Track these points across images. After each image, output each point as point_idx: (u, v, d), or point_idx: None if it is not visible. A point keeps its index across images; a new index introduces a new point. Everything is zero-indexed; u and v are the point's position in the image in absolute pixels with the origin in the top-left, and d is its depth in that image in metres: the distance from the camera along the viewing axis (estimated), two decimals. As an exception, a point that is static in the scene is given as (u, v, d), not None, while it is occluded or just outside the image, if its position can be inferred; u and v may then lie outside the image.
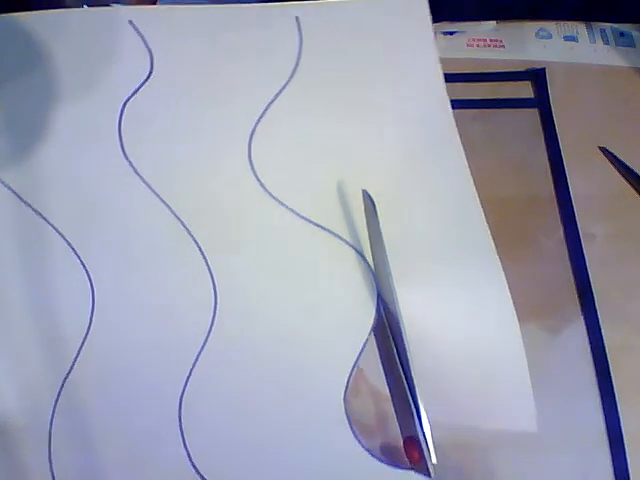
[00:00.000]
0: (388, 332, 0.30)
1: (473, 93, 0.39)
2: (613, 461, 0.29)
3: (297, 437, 0.29)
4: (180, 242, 0.31)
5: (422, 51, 0.35)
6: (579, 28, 0.43)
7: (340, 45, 0.34)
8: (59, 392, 0.29)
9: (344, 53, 0.34)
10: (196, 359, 0.30)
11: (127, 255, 0.31)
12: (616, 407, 0.30)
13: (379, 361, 0.30)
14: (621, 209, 0.35)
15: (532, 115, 0.39)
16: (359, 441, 0.28)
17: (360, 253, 0.32)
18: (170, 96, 0.33)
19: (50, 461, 0.28)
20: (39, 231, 0.31)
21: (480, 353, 0.30)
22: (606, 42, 0.43)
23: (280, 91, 0.33)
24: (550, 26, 0.43)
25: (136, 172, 0.32)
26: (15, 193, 0.32)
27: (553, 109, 0.39)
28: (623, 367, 0.31)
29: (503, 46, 0.42)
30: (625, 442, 0.29)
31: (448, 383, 0.29)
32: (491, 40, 0.42)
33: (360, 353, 0.30)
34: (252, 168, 0.32)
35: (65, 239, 0.31)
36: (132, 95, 0.32)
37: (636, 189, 0.36)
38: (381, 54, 0.35)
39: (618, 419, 0.29)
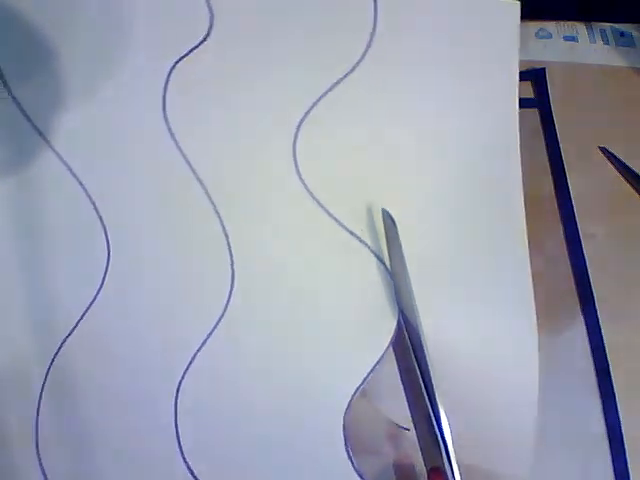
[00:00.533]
0: (410, 351, 0.28)
1: (473, 93, 0.39)
2: (613, 461, 0.29)
3: (288, 448, 0.28)
4: (206, 219, 0.30)
5: (503, 73, 0.32)
6: (579, 28, 0.43)
7: (416, 37, 0.32)
8: (49, 368, 0.29)
9: (417, 48, 0.32)
10: (201, 345, 0.29)
11: (148, 222, 0.30)
12: (616, 407, 0.30)
13: (384, 382, 0.29)
14: (621, 209, 0.35)
15: (532, 115, 0.39)
16: (352, 463, 0.28)
17: (387, 268, 0.30)
18: (224, 64, 0.30)
19: (38, 450, 0.28)
20: (65, 184, 0.30)
21: (494, 382, 0.29)
22: (606, 42, 0.43)
23: (344, 77, 0.31)
24: (550, 26, 0.43)
25: (174, 139, 0.30)
26: (49, 145, 0.30)
27: (553, 109, 0.39)
28: (623, 367, 0.31)
29: (503, 46, 0.42)
30: (625, 442, 0.29)
31: (458, 405, 0.28)
32: (491, 40, 0.42)
33: (371, 370, 0.29)
34: (294, 158, 0.30)
35: (90, 199, 0.30)
36: (184, 56, 0.30)
37: (636, 189, 0.36)
38: (458, 62, 0.32)
39: (618, 419, 0.29)
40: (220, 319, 0.29)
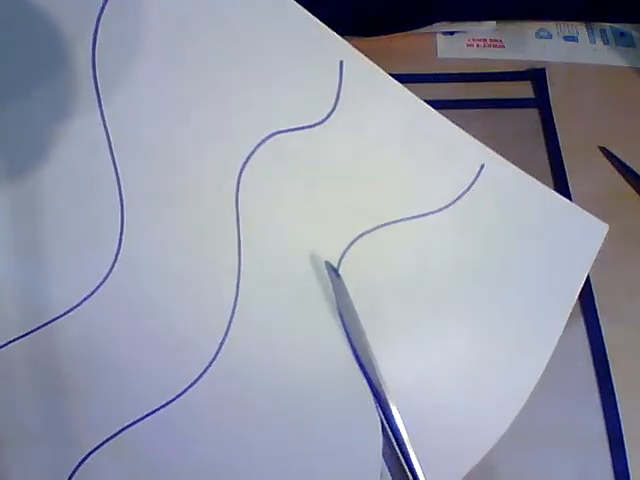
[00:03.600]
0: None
1: (473, 93, 0.39)
2: (613, 461, 0.29)
3: None
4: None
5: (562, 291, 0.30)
6: (579, 28, 0.43)
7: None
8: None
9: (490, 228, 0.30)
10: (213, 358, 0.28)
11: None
12: (616, 407, 0.30)
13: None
14: (621, 209, 0.35)
15: (532, 115, 0.39)
16: None
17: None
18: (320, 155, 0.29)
19: None
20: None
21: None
22: (606, 42, 0.43)
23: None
24: (550, 26, 0.43)
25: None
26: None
27: (553, 109, 0.39)
28: (623, 367, 0.31)
29: (503, 46, 0.42)
30: (625, 442, 0.29)
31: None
32: (491, 40, 0.42)
33: None
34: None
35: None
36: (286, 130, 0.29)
37: (636, 189, 0.36)
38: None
39: (618, 419, 0.29)
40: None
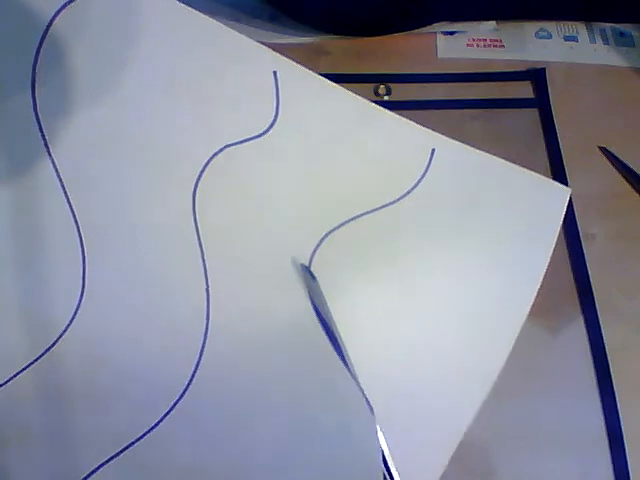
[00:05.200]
0: None
1: (473, 93, 0.39)
2: (613, 461, 0.29)
3: None
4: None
5: (535, 252, 0.31)
6: (579, 28, 0.43)
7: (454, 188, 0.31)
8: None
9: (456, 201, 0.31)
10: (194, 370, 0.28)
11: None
12: (616, 407, 0.30)
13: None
14: (621, 209, 0.35)
15: (532, 115, 0.39)
16: None
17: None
18: (269, 164, 0.30)
19: None
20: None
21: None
22: (606, 42, 0.43)
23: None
24: (550, 26, 0.43)
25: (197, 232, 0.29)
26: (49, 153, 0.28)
27: (553, 109, 0.39)
28: (623, 367, 0.31)
29: (503, 46, 0.42)
30: (625, 442, 0.29)
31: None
32: (491, 40, 0.42)
33: None
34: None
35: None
36: (234, 143, 0.30)
37: (636, 189, 0.36)
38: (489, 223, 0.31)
39: (618, 419, 0.29)
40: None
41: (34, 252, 0.28)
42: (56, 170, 0.28)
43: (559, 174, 0.36)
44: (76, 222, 0.28)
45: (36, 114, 0.27)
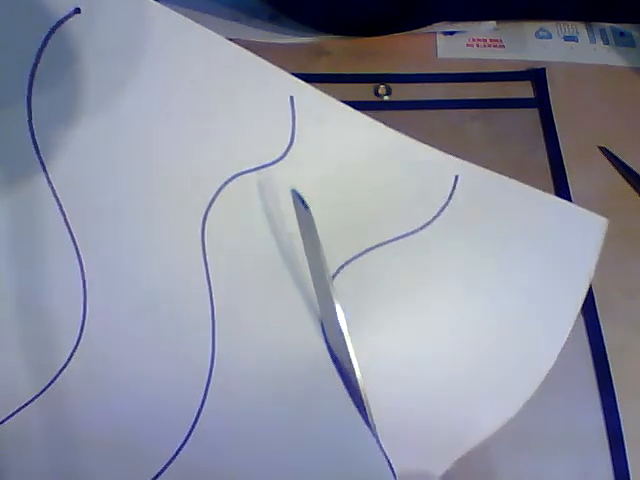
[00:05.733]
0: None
1: (473, 93, 0.39)
2: (613, 461, 0.29)
3: None
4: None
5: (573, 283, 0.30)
6: (579, 28, 0.43)
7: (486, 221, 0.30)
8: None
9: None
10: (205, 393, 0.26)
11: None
12: (616, 407, 0.30)
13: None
14: (621, 209, 0.35)
15: (532, 115, 0.39)
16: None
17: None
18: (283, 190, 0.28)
19: None
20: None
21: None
22: (606, 42, 0.43)
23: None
24: (550, 26, 0.43)
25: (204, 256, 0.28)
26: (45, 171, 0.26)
27: (553, 109, 0.39)
28: (623, 367, 0.31)
29: (503, 46, 0.42)
30: (625, 442, 0.29)
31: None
32: (491, 40, 0.42)
33: None
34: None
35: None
36: (248, 170, 0.29)
37: (636, 189, 0.36)
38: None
39: (618, 419, 0.29)
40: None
41: (34, 281, 0.27)
42: (56, 197, 0.26)
43: (559, 174, 0.36)
44: (77, 250, 0.27)
45: (31, 127, 0.26)
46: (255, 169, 0.29)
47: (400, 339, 0.28)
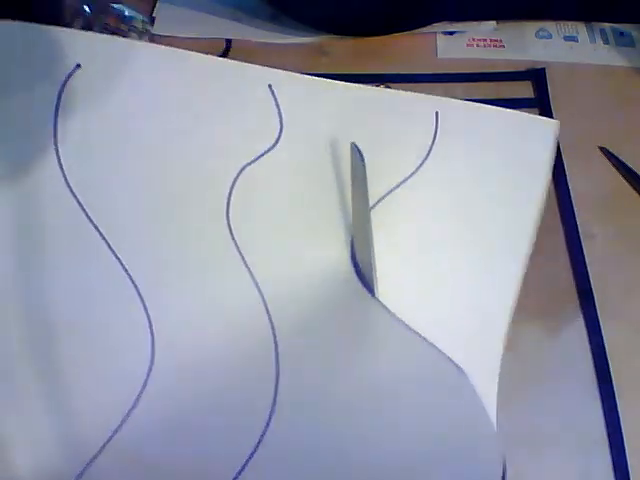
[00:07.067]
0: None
1: (473, 93, 0.39)
2: (613, 461, 0.29)
3: None
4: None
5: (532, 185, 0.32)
6: (579, 28, 0.43)
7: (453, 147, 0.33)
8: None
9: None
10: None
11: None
12: (616, 407, 0.30)
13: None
14: (621, 209, 0.35)
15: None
16: None
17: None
18: (289, 170, 0.31)
19: None
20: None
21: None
22: (606, 42, 0.43)
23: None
24: (550, 26, 0.43)
25: (236, 246, 0.30)
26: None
27: (553, 109, 0.39)
28: (623, 367, 0.31)
29: (503, 46, 0.42)
30: (625, 442, 0.29)
31: None
32: (491, 40, 0.43)
33: None
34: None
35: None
36: (254, 160, 0.31)
37: (636, 189, 0.36)
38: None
39: (618, 419, 0.29)
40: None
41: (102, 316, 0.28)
42: (113, 253, 0.29)
43: (559, 174, 0.36)
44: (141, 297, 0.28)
45: (67, 184, 0.29)
46: (256, 159, 0.30)
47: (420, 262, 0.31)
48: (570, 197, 0.35)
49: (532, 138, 0.33)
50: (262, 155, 0.30)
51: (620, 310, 0.32)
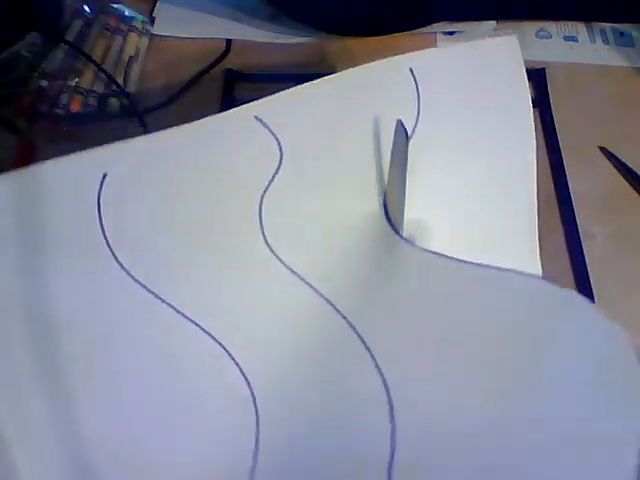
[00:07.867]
0: None
1: (473, 93, 0.39)
2: (613, 460, 0.29)
3: None
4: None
5: (516, 103, 0.33)
6: (579, 28, 0.43)
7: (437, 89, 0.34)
8: None
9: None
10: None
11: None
12: (616, 407, 0.30)
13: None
14: (621, 209, 0.35)
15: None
16: None
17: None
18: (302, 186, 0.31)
19: None
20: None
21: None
22: (606, 42, 0.43)
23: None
24: (550, 26, 0.43)
25: (289, 268, 0.30)
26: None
27: (553, 109, 0.39)
28: (623, 367, 0.31)
29: (503, 46, 0.42)
30: (625, 442, 0.29)
31: None
32: (491, 40, 0.42)
33: None
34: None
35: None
36: (268, 186, 0.31)
37: (636, 189, 0.36)
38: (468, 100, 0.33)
39: (618, 418, 0.29)
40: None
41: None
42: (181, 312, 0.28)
43: (559, 174, 0.36)
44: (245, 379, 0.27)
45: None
46: (270, 182, 0.31)
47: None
48: (570, 197, 0.35)
49: (500, 56, 0.34)
50: (273, 178, 0.31)
51: (619, 310, 0.32)
